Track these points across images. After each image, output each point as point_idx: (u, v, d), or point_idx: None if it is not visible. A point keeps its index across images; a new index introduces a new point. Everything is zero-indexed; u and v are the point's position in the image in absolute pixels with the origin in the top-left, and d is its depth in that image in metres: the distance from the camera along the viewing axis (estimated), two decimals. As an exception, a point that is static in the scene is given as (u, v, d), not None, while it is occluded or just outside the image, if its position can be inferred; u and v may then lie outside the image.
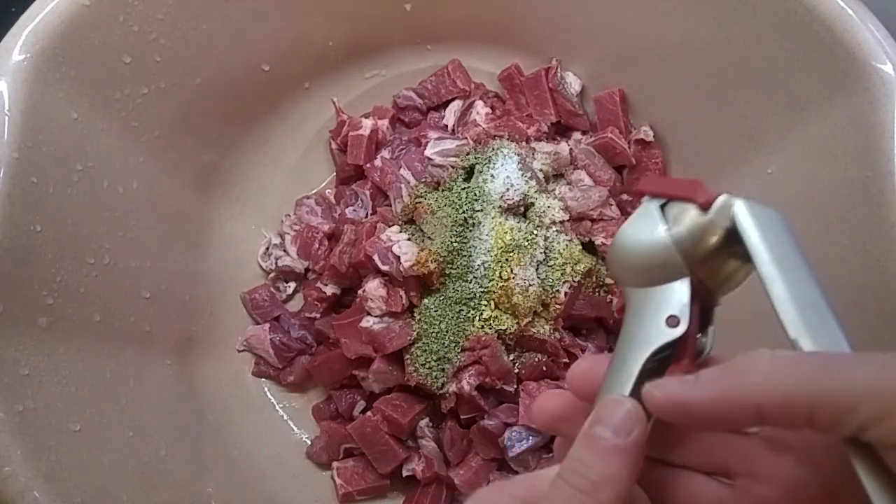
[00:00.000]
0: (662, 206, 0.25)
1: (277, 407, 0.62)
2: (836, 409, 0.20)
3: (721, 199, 0.23)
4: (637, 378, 0.23)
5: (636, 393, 0.23)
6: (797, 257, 0.22)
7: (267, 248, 0.65)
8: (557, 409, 0.25)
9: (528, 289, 0.54)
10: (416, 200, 0.57)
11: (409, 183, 0.58)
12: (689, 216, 0.24)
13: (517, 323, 0.54)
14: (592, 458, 0.22)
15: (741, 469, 0.24)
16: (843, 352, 0.21)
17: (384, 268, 0.54)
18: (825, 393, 0.20)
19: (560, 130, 0.65)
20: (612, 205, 0.59)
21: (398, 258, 0.54)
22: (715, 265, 0.24)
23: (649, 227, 0.24)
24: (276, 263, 0.63)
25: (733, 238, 0.23)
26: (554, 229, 0.57)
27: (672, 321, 0.23)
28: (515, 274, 0.54)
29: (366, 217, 0.61)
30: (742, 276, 0.25)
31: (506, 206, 0.56)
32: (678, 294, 0.23)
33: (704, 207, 0.23)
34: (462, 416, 0.56)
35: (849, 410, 0.19)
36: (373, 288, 0.55)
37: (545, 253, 0.56)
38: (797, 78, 0.48)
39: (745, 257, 0.23)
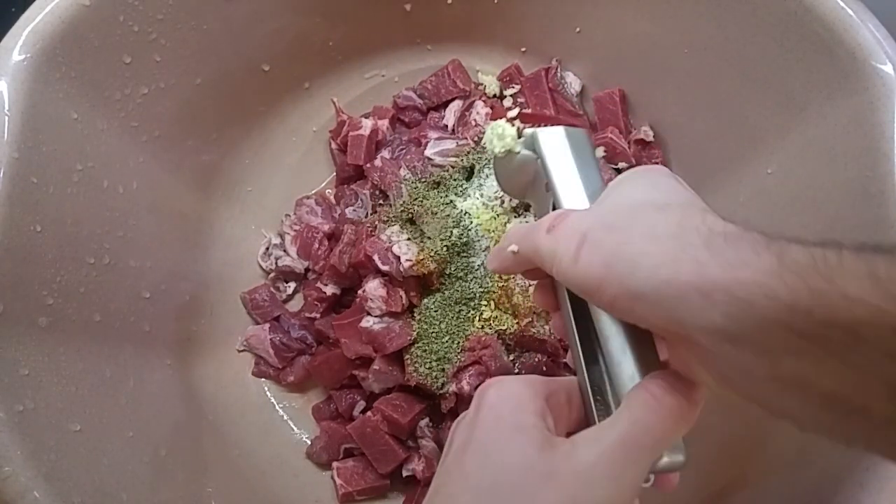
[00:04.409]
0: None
1: (277, 407, 0.62)
2: (533, 257, 0.33)
3: (528, 130, 0.39)
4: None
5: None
6: (567, 152, 0.37)
7: (267, 248, 0.64)
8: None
9: (528, 289, 0.54)
10: (416, 200, 0.57)
11: (409, 183, 0.58)
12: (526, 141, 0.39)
13: (517, 323, 0.54)
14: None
15: None
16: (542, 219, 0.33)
17: (384, 268, 0.54)
18: (527, 251, 0.33)
19: (560, 130, 0.65)
20: (612, 205, 0.59)
21: (398, 258, 0.54)
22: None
23: (510, 157, 0.39)
24: (276, 263, 0.63)
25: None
26: (554, 229, 0.57)
27: (546, 186, 0.37)
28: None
29: (366, 217, 0.61)
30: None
31: (506, 206, 0.56)
32: (537, 169, 0.38)
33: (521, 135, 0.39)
34: (462, 416, 0.56)
35: (535, 257, 0.32)
36: (373, 288, 0.55)
37: (545, 253, 0.56)
38: (797, 78, 0.48)
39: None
